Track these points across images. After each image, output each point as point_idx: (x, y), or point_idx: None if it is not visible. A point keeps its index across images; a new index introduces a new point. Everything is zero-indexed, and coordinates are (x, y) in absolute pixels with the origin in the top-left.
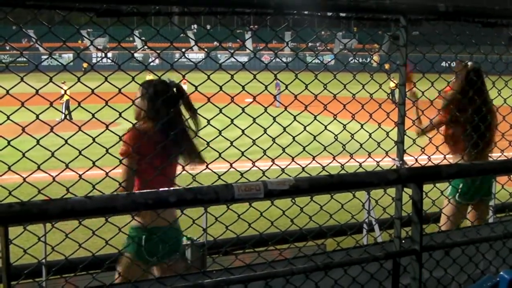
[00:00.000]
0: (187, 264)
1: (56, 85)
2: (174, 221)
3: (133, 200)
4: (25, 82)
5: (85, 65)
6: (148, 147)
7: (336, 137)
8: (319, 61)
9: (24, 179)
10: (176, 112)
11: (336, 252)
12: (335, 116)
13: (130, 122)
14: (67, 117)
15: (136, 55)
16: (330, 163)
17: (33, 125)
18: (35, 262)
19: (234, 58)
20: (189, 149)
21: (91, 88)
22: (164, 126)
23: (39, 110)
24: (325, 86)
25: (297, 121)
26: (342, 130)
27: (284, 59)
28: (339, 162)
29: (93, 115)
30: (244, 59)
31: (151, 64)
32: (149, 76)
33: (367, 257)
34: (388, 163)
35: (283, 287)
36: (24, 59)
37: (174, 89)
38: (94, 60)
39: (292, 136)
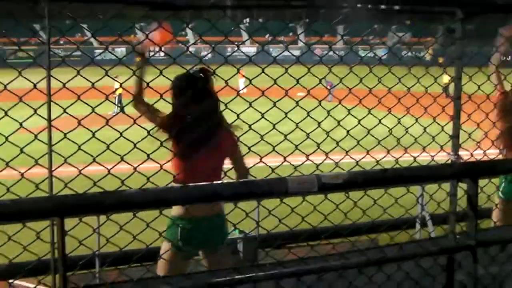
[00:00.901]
0: (238, 257)
1: (112, 78)
2: (217, 212)
3: (187, 193)
4: (82, 76)
5: (137, 59)
6: (179, 146)
7: (390, 131)
8: (373, 55)
9: (80, 171)
10: (208, 104)
11: (389, 246)
12: (389, 110)
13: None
14: (121, 110)
15: (189, 49)
16: (384, 157)
17: (88, 118)
18: (90, 253)
19: (289, 52)
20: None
21: (146, 82)
22: (192, 124)
23: (94, 104)
24: (379, 80)
25: (351, 114)
26: (396, 124)
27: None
28: (393, 156)
29: (148, 108)
30: (296, 53)
31: (204, 58)
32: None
33: (421, 252)
34: (442, 157)
35: (336, 281)
36: (78, 53)
37: (201, 76)
38: (147, 54)
39: (346, 130)
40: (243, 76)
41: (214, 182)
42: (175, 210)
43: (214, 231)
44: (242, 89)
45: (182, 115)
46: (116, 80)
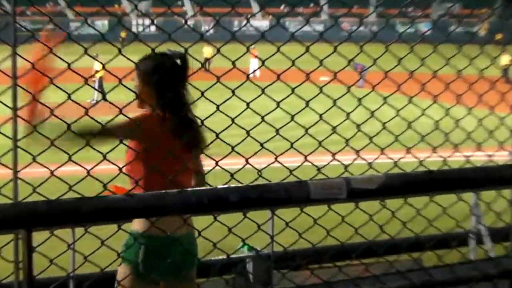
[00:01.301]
0: (246, 280)
1: (93, 57)
2: (189, 230)
3: (185, 199)
4: (55, 54)
5: (123, 34)
6: (153, 140)
7: (436, 125)
8: (414, 30)
9: (52, 172)
10: (182, 93)
11: (436, 268)
12: (435, 98)
13: None
14: (102, 98)
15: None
16: (428, 156)
17: (62, 107)
18: (64, 275)
19: (310, 26)
20: (191, 142)
21: (134, 62)
22: (168, 113)
23: (69, 90)
24: (422, 61)
25: (387, 104)
26: (444, 116)
27: (368, 28)
28: (440, 156)
29: (137, 95)
30: (319, 28)
31: (206, 34)
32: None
33: (476, 275)
34: (502, 157)
35: None
36: (49, 26)
37: (178, 61)
38: (134, 29)
39: (381, 122)
40: (255, 56)
41: (219, 186)
42: (136, 224)
43: (185, 255)
44: (253, 72)
45: (152, 105)
46: (96, 60)
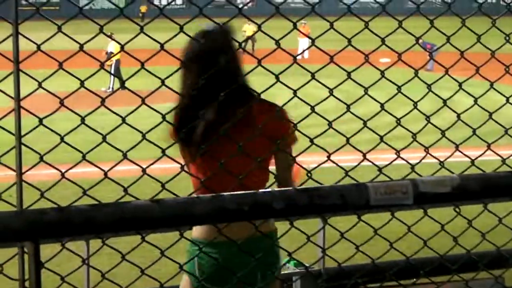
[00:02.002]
0: None
1: (109, 37)
2: (265, 232)
3: (220, 206)
4: (64, 33)
5: (143, 8)
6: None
7: None
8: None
9: (63, 174)
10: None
11: None
12: None
13: None
14: (120, 86)
15: None
16: None
17: (72, 97)
18: None
19: None
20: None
21: (159, 42)
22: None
23: (80, 75)
24: (507, 38)
25: (463, 90)
26: None
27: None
28: None
29: (162, 81)
30: None
31: (244, 8)
32: (248, 26)
33: None
34: None
35: None
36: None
37: (220, 35)
38: (157, 2)
39: (455, 113)
40: (304, 35)
41: (261, 190)
42: (197, 230)
43: (258, 264)
44: (302, 53)
45: (192, 93)
46: (113, 39)
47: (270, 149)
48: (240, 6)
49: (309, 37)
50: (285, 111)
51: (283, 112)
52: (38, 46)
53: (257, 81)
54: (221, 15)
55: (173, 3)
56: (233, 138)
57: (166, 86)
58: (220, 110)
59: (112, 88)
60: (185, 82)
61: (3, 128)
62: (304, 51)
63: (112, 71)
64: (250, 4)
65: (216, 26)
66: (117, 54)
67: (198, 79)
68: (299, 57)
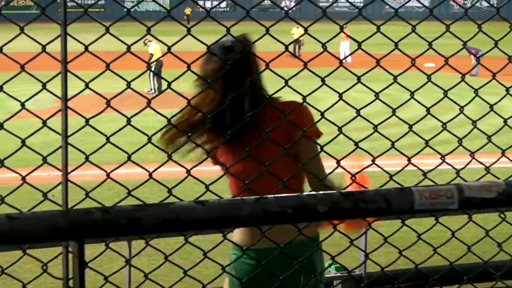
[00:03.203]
0: None
1: (157, 39)
2: (309, 236)
3: (264, 208)
4: (112, 35)
5: (187, 11)
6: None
7: None
8: None
9: (108, 174)
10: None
11: None
12: None
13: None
14: (158, 87)
15: None
16: None
17: (115, 99)
18: None
19: (417, 0)
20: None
21: (206, 44)
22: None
23: (123, 76)
24: None
25: (510, 95)
26: None
27: (486, 3)
28: None
29: (208, 83)
30: (426, 2)
31: (290, 11)
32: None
33: None
34: None
35: None
36: (100, 2)
37: (237, 48)
38: (201, 4)
39: (502, 118)
40: (348, 36)
41: (305, 193)
42: (236, 235)
43: (301, 269)
44: (346, 57)
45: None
46: (161, 41)
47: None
48: (285, 9)
49: (354, 39)
50: (302, 105)
51: (298, 105)
52: (86, 47)
53: (301, 85)
54: (265, 17)
55: (217, 6)
56: (253, 141)
57: (211, 88)
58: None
59: (154, 89)
60: (206, 99)
61: (50, 128)
62: (349, 54)
63: (152, 73)
64: (294, 8)
65: (233, 40)
66: (162, 56)
67: (222, 96)
68: (349, 61)
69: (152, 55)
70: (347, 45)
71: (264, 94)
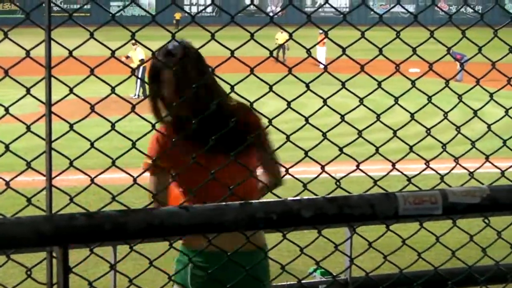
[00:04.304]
0: None
1: (141, 44)
2: (258, 246)
3: (249, 214)
4: (96, 40)
5: (177, 16)
6: (178, 155)
7: None
8: None
9: (92, 179)
10: (205, 88)
11: None
12: None
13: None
14: (143, 92)
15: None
16: None
17: (100, 104)
18: None
19: (402, 7)
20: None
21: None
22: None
23: (108, 81)
24: None
25: (494, 101)
26: None
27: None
28: None
29: (193, 88)
30: (411, 8)
31: (275, 16)
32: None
33: None
34: None
35: None
36: (85, 6)
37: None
38: (188, 9)
39: (486, 123)
40: (324, 43)
41: (289, 198)
42: (188, 238)
43: (247, 278)
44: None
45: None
46: (142, 45)
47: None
48: (270, 14)
49: (339, 45)
50: (249, 107)
51: (247, 106)
52: (70, 52)
53: (286, 90)
54: (251, 23)
55: (203, 11)
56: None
57: (196, 94)
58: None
59: (138, 94)
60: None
61: (34, 133)
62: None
63: (140, 76)
64: (279, 14)
65: (175, 45)
66: (147, 61)
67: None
68: (321, 66)
69: (142, 60)
70: (323, 51)
71: (218, 98)
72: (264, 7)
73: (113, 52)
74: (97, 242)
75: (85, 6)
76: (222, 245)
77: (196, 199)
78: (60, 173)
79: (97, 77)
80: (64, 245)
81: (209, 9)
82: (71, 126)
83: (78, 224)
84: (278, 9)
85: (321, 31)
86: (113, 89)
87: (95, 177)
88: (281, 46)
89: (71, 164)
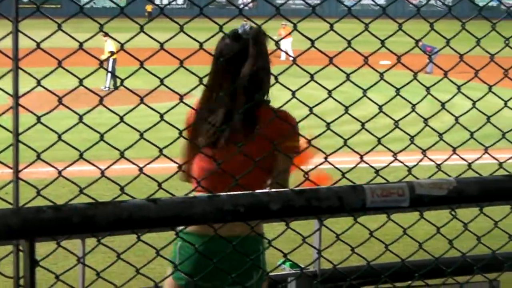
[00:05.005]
0: None
1: (110, 36)
2: (254, 233)
3: (217, 206)
4: (64, 32)
5: (149, 8)
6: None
7: None
8: (497, 3)
9: (60, 172)
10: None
11: None
12: None
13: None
14: (121, 84)
15: None
16: (511, 157)
17: (69, 96)
18: None
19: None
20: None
21: (159, 42)
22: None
23: (79, 73)
24: (507, 42)
25: (462, 93)
26: None
27: (441, 1)
28: None
29: (161, 80)
30: (380, 1)
31: (245, 8)
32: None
33: None
34: None
35: None
36: None
37: (250, 39)
38: (158, 1)
39: (453, 116)
40: (289, 35)
41: (257, 191)
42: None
43: (244, 263)
44: (296, 57)
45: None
46: (111, 37)
47: (269, 151)
48: (241, 6)
49: (307, 37)
50: (290, 116)
51: (286, 116)
52: (38, 44)
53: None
54: (223, 15)
55: (174, 3)
56: (239, 141)
57: (166, 86)
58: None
59: (109, 87)
60: (214, 81)
61: (1, 126)
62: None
63: (110, 69)
64: (250, 5)
65: (246, 29)
66: (117, 52)
67: (226, 82)
68: (283, 58)
69: (112, 52)
70: (289, 42)
71: (263, 96)
72: (235, 0)
73: (81, 44)
74: (65, 235)
75: None
76: (221, 230)
77: (211, 186)
78: (27, 166)
79: (64, 69)
80: (31, 238)
81: (181, 1)
82: (38, 118)
83: (46, 217)
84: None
85: (283, 23)
86: (81, 81)
87: (62, 169)
88: None
89: (38, 156)
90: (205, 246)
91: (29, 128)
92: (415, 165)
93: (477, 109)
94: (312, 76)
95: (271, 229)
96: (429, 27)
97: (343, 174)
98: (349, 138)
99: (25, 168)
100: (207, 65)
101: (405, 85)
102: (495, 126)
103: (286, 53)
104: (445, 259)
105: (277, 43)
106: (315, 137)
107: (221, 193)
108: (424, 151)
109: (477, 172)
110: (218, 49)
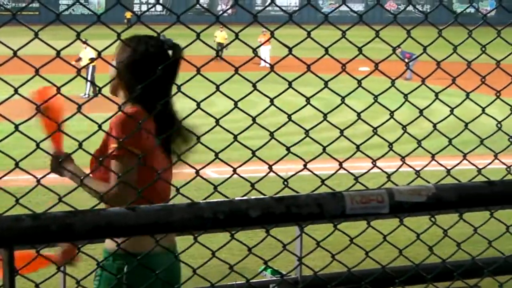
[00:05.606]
0: None
1: (88, 44)
2: (173, 244)
3: (197, 214)
4: (41, 39)
5: (128, 15)
6: (145, 140)
7: (499, 125)
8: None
9: (38, 180)
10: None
11: None
12: (498, 94)
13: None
14: (98, 91)
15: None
16: (489, 163)
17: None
18: None
19: (347, 6)
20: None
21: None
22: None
23: (58, 81)
24: (483, 49)
25: (439, 100)
26: (510, 115)
27: (419, 8)
28: (503, 163)
29: (139, 89)
30: (359, 8)
31: (224, 14)
32: (220, 32)
33: None
34: None
35: None
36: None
37: (170, 51)
38: (137, 8)
39: (432, 122)
40: (268, 42)
41: (237, 198)
42: (108, 241)
43: (175, 274)
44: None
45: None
46: (88, 45)
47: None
48: (220, 12)
49: (285, 45)
50: (118, 123)
51: (114, 121)
52: (15, 52)
53: (234, 89)
54: (201, 21)
55: (152, 9)
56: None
57: (144, 94)
58: None
59: (88, 94)
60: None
61: None
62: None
63: (89, 77)
64: (230, 11)
65: (169, 40)
66: (95, 60)
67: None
68: (263, 65)
69: (92, 58)
70: (268, 49)
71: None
72: (214, 6)
73: (58, 52)
74: (43, 243)
75: (34, 5)
76: (143, 245)
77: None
78: (6, 174)
79: (41, 77)
80: (10, 247)
81: (159, 8)
82: (16, 126)
83: (24, 225)
84: (229, 8)
85: (264, 30)
86: (58, 89)
87: (41, 177)
88: (220, 44)
89: (16, 165)
90: (162, 262)
91: (7, 137)
92: (394, 172)
93: (455, 115)
94: (290, 83)
95: (254, 235)
96: (406, 34)
97: (323, 181)
98: (328, 145)
99: (3, 176)
100: (186, 72)
101: (383, 92)
102: (473, 133)
103: (264, 60)
104: (425, 265)
105: (254, 50)
106: (293, 145)
107: (200, 201)
108: (403, 158)
109: (456, 179)
110: (140, 50)
